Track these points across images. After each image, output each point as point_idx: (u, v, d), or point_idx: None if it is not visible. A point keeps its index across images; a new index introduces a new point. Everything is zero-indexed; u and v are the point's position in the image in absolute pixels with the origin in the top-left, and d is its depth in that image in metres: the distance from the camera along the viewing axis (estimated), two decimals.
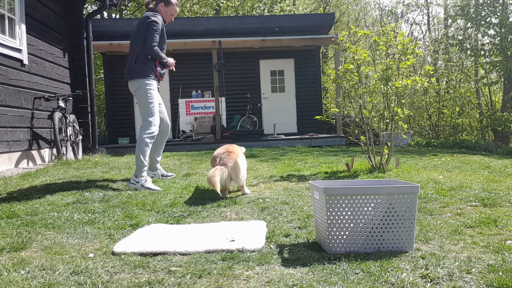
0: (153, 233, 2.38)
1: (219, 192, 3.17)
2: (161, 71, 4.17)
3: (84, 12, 7.73)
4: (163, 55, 4.12)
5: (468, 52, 13.90)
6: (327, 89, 19.86)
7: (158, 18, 4.06)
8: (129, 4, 19.85)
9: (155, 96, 4.08)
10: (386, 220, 2.04)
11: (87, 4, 12.47)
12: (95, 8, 8.38)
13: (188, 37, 11.19)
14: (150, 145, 4.00)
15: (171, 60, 4.23)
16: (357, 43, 13.59)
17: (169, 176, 4.48)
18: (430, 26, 24.43)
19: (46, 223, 2.66)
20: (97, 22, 11.77)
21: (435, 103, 15.43)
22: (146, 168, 3.94)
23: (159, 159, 4.45)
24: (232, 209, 2.96)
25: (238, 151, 3.50)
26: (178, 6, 4.26)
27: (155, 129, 4.05)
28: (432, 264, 1.84)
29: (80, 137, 7.00)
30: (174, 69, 4.41)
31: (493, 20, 13.16)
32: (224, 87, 11.20)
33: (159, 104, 4.22)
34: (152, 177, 4.20)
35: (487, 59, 13.60)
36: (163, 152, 8.52)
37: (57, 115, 6.02)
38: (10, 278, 1.78)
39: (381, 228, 2.04)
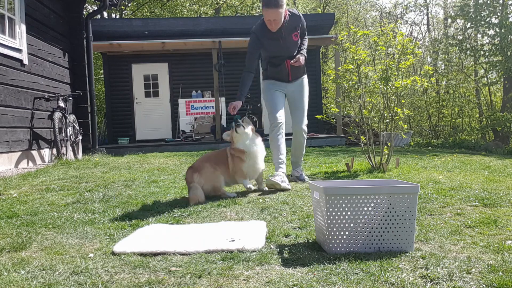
0: (153, 233, 2.38)
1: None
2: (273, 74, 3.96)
3: (84, 12, 7.73)
4: (240, 91, 3.79)
5: (468, 52, 13.91)
6: (327, 89, 19.86)
7: (252, 35, 3.77)
8: (129, 4, 19.84)
9: (271, 95, 3.91)
10: (386, 220, 2.04)
11: (87, 4, 12.46)
12: (95, 8, 8.39)
13: (188, 37, 11.19)
14: (278, 140, 3.81)
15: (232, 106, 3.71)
16: (356, 43, 13.61)
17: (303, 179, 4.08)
18: (430, 26, 24.44)
19: (46, 223, 2.66)
20: (97, 22, 11.77)
21: (435, 103, 15.43)
22: (281, 165, 3.76)
23: (297, 160, 4.15)
24: (232, 209, 2.96)
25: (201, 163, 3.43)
26: (270, 6, 3.55)
27: (275, 123, 3.83)
28: (432, 264, 1.84)
29: (80, 137, 7.00)
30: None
31: (493, 20, 13.17)
32: (224, 87, 11.19)
33: (294, 104, 3.99)
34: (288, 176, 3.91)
35: (486, 59, 13.60)
36: (163, 152, 8.54)
37: (57, 115, 6.02)
38: (10, 278, 1.78)
39: (381, 228, 2.04)
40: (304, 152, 4.12)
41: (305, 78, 4.02)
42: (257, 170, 3.53)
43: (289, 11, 3.77)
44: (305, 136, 4.00)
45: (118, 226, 2.59)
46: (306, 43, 3.94)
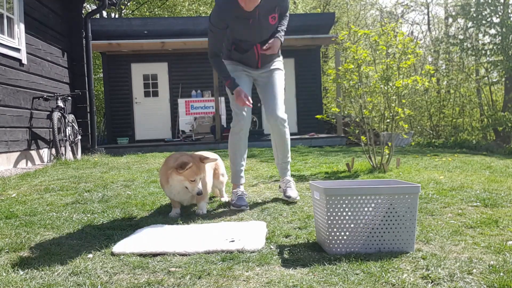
0: (152, 234, 2.37)
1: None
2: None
3: (83, 12, 7.72)
4: (218, 67, 3.07)
5: (469, 51, 13.90)
6: (327, 89, 19.85)
7: (215, 12, 2.88)
8: (128, 3, 19.84)
9: (238, 78, 3.12)
10: (386, 220, 2.03)
11: (86, 3, 12.46)
12: (94, 7, 8.38)
13: (187, 37, 11.19)
14: (235, 143, 3.15)
15: (236, 95, 3.02)
16: (357, 42, 13.61)
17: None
18: (430, 26, 24.44)
19: (45, 224, 2.65)
20: (96, 21, 11.76)
21: (436, 103, 15.43)
22: (240, 174, 3.16)
23: (282, 163, 3.26)
24: (232, 210, 2.95)
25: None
26: None
27: (238, 122, 3.11)
28: (433, 264, 1.83)
29: (79, 137, 6.99)
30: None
31: (494, 19, 13.16)
32: (224, 87, 11.18)
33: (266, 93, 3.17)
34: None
35: (488, 58, 13.60)
36: (163, 152, 8.51)
37: (56, 115, 6.00)
38: (9, 278, 1.77)
39: (382, 228, 2.03)
40: (289, 150, 3.23)
41: (278, 61, 3.23)
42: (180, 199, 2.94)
43: None
44: (286, 126, 3.14)
45: (117, 226, 2.58)
46: (285, 23, 3.12)
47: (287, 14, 3.15)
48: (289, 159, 3.26)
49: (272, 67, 3.18)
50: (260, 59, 3.10)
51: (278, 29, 3.05)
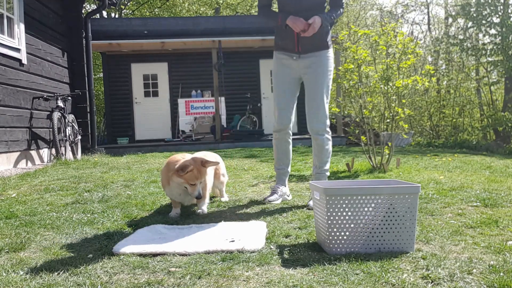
0: (152, 234, 2.37)
1: None
2: (280, 41, 3.00)
3: (83, 11, 7.72)
4: (272, 16, 2.96)
5: (469, 51, 13.90)
6: None
7: None
8: (128, 3, 19.84)
9: (277, 81, 3.07)
10: (386, 220, 2.03)
11: (86, 3, 12.45)
12: (94, 7, 8.38)
13: (187, 37, 11.19)
14: (274, 143, 3.20)
15: (291, 21, 2.80)
16: (357, 42, 13.60)
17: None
18: (430, 26, 24.44)
19: (45, 224, 2.65)
20: (96, 21, 11.77)
21: (436, 102, 15.43)
22: (279, 176, 3.18)
23: (318, 173, 3.11)
24: (232, 210, 2.95)
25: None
26: None
27: (275, 123, 3.14)
28: (433, 264, 1.83)
29: (79, 137, 6.99)
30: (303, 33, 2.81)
31: (494, 19, 13.17)
32: (224, 87, 11.19)
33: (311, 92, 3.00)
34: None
35: (488, 58, 13.60)
36: (163, 152, 8.52)
37: (56, 115, 6.00)
38: (9, 278, 1.77)
39: (382, 228, 2.03)
40: (326, 160, 3.09)
41: (325, 54, 2.98)
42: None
43: None
44: (324, 135, 3.04)
45: (117, 226, 2.58)
46: (335, 15, 2.95)
47: (342, 7, 2.99)
48: (327, 173, 3.12)
49: (319, 64, 2.96)
50: (299, 40, 2.90)
51: (326, 13, 2.88)
